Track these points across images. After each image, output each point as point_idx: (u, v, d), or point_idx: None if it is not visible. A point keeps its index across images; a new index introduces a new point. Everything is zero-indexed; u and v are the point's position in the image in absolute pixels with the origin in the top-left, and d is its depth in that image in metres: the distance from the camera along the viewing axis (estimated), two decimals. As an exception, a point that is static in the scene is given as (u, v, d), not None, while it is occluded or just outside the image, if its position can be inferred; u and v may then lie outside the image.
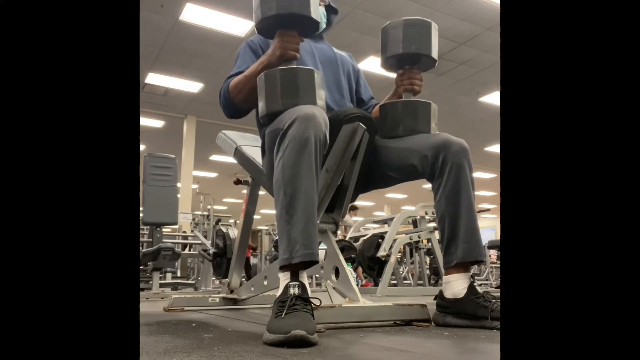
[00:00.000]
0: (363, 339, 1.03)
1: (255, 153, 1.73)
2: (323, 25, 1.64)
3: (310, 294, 1.09)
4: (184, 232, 6.90)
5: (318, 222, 1.20)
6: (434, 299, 1.39)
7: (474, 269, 6.77)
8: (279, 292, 1.11)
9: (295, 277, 1.10)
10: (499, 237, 7.59)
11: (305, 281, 1.13)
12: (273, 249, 7.04)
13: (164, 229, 4.09)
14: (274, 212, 1.18)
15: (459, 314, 1.29)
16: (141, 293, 3.23)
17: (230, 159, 2.05)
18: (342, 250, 1.60)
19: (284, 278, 1.13)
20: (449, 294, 1.33)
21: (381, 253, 4.04)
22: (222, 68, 6.47)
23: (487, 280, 6.73)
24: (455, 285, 1.32)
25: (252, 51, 1.53)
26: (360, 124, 1.36)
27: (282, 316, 0.98)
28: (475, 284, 1.31)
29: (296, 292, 1.05)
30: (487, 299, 1.26)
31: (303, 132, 1.12)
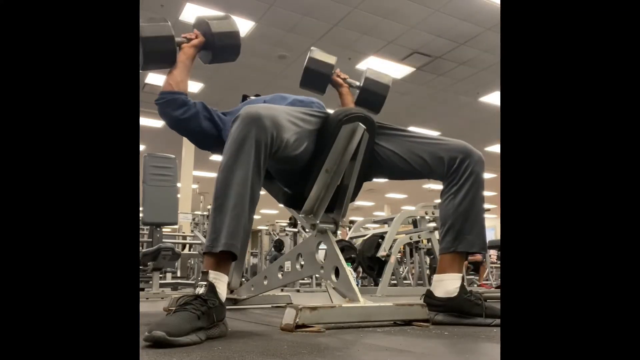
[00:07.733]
0: (363, 339, 1.02)
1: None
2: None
3: (225, 291, 1.10)
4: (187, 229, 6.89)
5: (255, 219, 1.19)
6: (420, 298, 1.40)
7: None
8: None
9: (218, 267, 1.11)
10: (499, 237, 7.58)
11: (224, 277, 1.12)
12: (273, 249, 7.05)
13: (164, 229, 4.08)
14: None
15: (451, 312, 1.32)
16: (141, 293, 3.22)
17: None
18: (342, 250, 1.59)
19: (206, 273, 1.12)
20: (440, 292, 1.35)
21: (381, 253, 4.03)
22: (222, 68, 6.47)
23: (487, 280, 6.72)
24: (449, 284, 1.35)
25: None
26: (360, 123, 1.36)
27: (171, 314, 0.98)
28: (464, 282, 1.37)
29: (200, 292, 1.05)
30: (477, 296, 1.31)
31: (245, 134, 1.13)
